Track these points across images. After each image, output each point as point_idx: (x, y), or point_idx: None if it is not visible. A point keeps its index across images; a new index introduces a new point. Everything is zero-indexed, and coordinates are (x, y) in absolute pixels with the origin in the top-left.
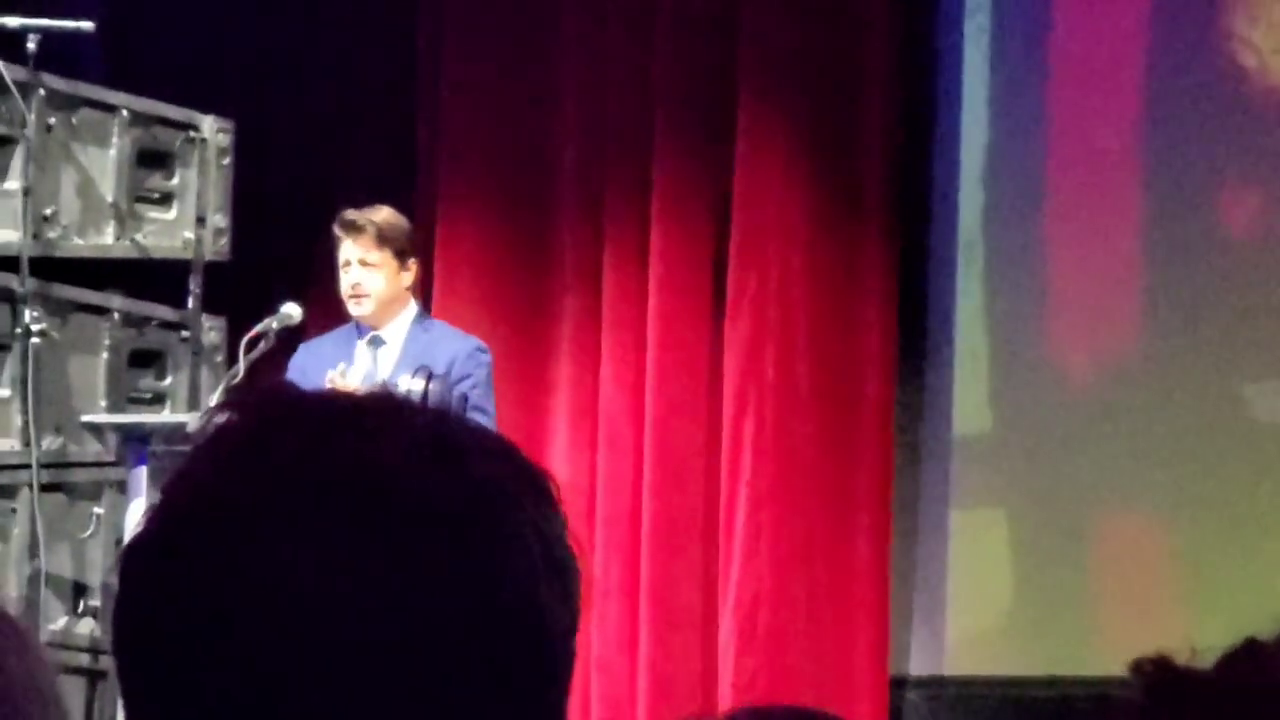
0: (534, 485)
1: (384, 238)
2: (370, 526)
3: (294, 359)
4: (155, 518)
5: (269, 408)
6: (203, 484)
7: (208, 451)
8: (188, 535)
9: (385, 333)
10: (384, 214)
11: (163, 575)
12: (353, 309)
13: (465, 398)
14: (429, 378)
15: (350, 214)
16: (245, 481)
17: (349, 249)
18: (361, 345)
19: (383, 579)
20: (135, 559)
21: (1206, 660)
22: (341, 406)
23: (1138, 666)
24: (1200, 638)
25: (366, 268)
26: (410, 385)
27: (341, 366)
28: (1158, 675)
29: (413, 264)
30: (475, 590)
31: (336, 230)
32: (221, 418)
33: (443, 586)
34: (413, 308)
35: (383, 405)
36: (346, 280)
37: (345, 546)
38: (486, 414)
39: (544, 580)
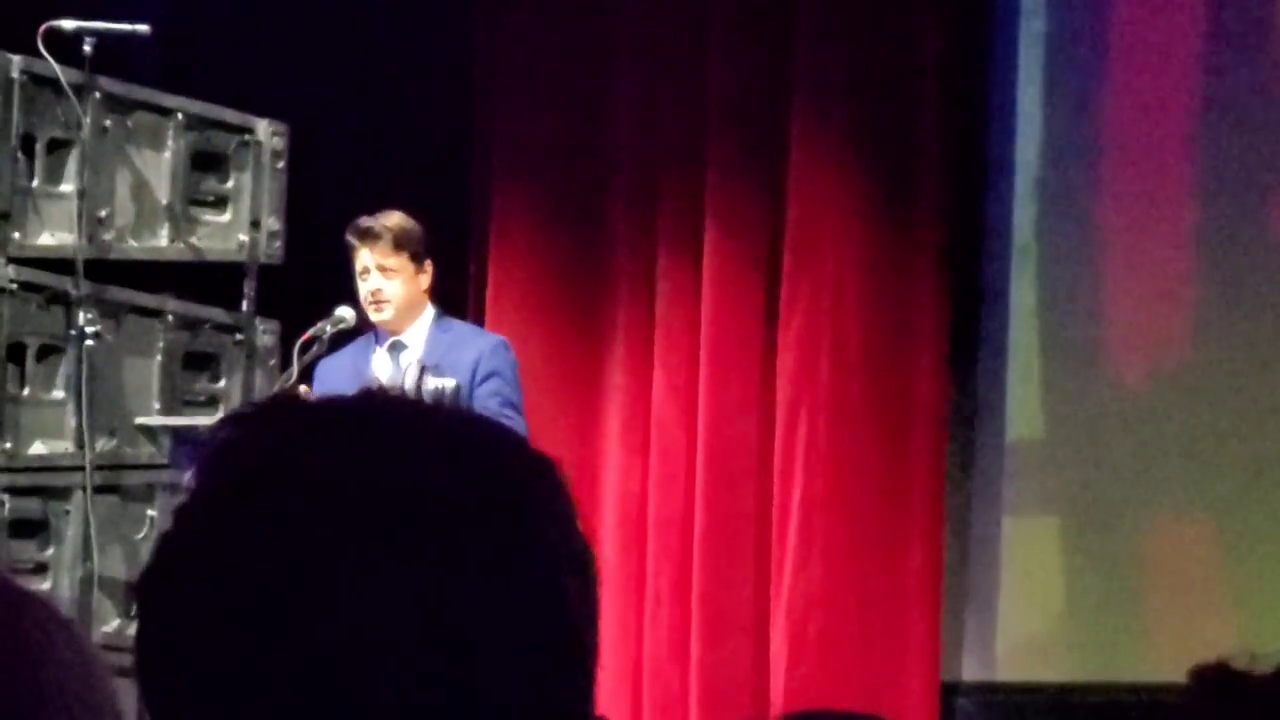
0: (549, 477)
1: (400, 242)
2: (381, 534)
3: (315, 377)
4: (168, 542)
5: (274, 419)
6: (211, 505)
7: (214, 469)
8: (199, 559)
9: (405, 337)
10: (397, 219)
11: (177, 601)
12: (373, 316)
13: (498, 396)
14: (421, 373)
15: (364, 221)
16: (252, 498)
17: (365, 256)
18: (380, 352)
19: (399, 586)
20: (154, 584)
21: (1266, 665)
22: (346, 412)
23: (1198, 672)
24: (1253, 643)
25: (385, 273)
26: (440, 384)
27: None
28: (1218, 680)
29: (428, 266)
30: (495, 589)
31: (351, 238)
32: (225, 432)
33: (462, 590)
34: (431, 310)
35: (385, 408)
36: (365, 288)
37: (357, 557)
38: (517, 410)
39: (566, 573)
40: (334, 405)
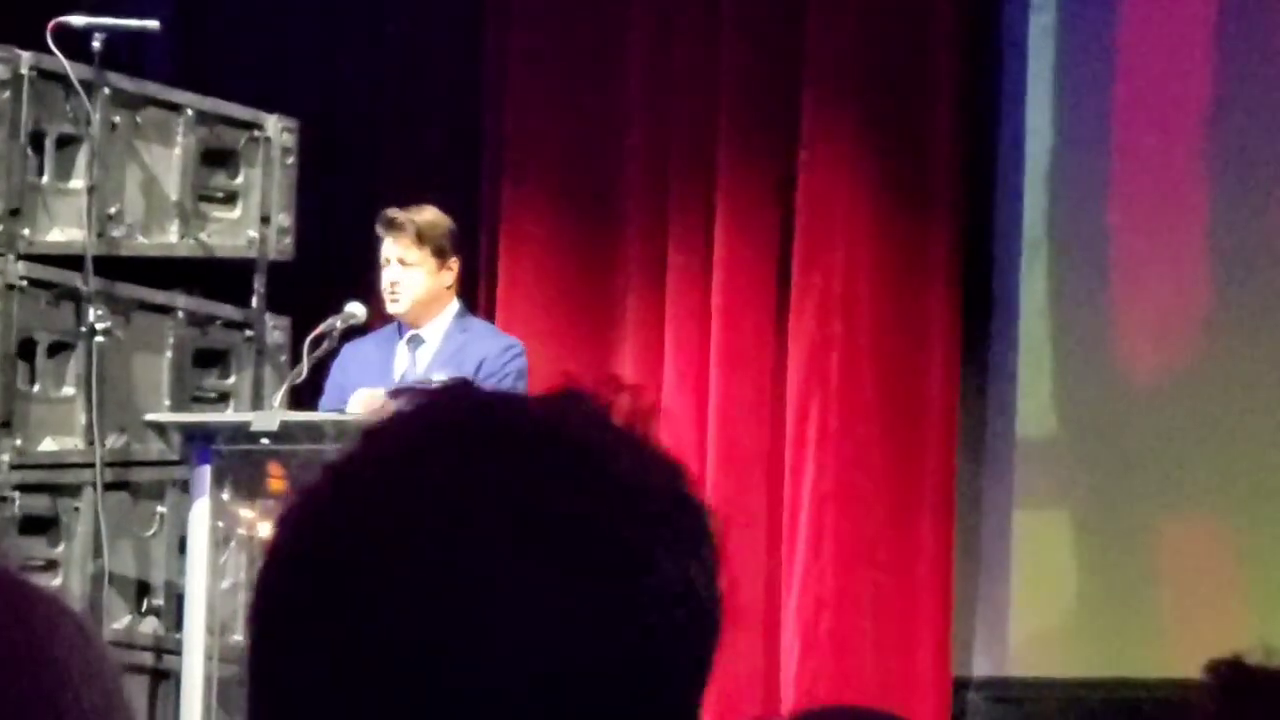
0: (690, 521)
1: (423, 236)
2: (523, 542)
3: (338, 359)
4: (313, 496)
5: (449, 405)
6: (366, 475)
7: (380, 441)
8: (345, 522)
9: (424, 332)
10: (428, 214)
11: (311, 558)
12: (390, 307)
13: None
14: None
15: (391, 212)
16: (402, 494)
17: (389, 247)
18: (401, 344)
19: (535, 594)
20: (290, 532)
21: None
22: (525, 417)
23: (1213, 667)
24: (1266, 638)
25: (405, 266)
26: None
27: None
28: (1233, 676)
29: (454, 263)
30: (604, 622)
31: (378, 228)
32: (399, 405)
33: (593, 605)
34: (454, 306)
35: (572, 419)
36: (385, 278)
37: (500, 564)
38: None
39: (679, 624)
40: (515, 404)
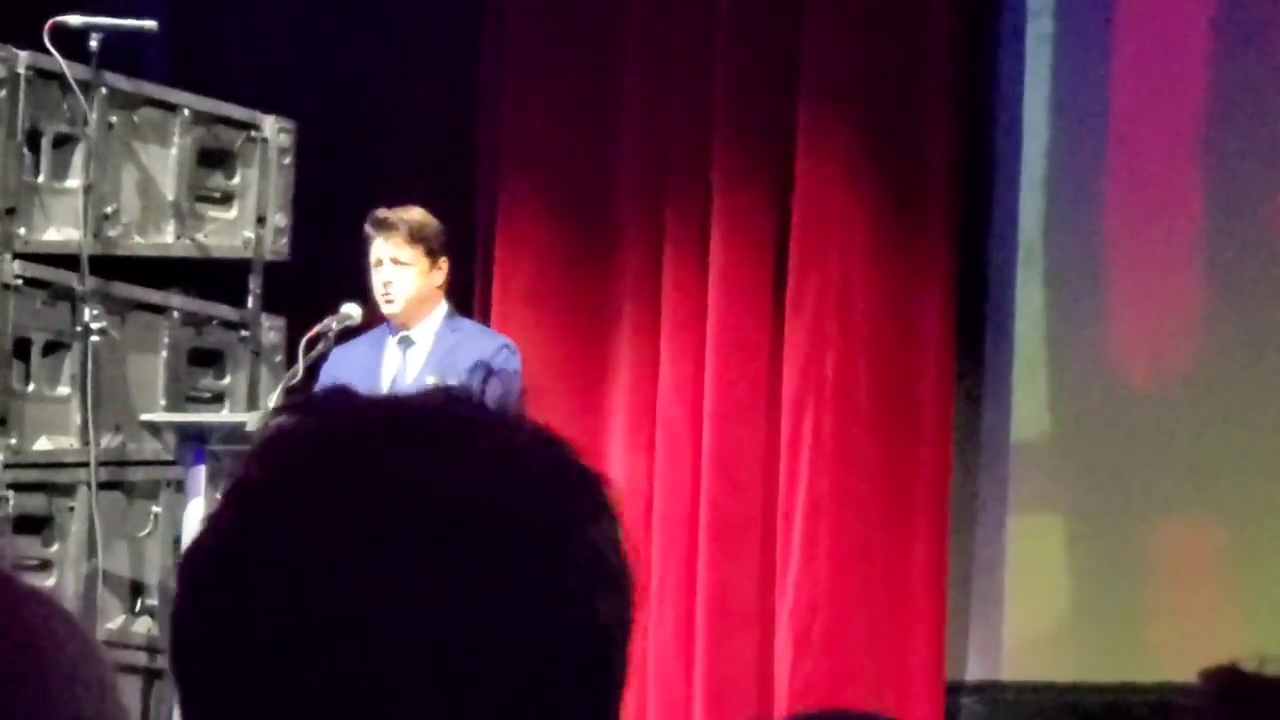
0: (591, 492)
1: (415, 236)
2: (424, 535)
3: (328, 362)
4: (215, 525)
5: (332, 414)
6: (265, 494)
7: (269, 458)
8: (249, 546)
9: (415, 332)
10: (416, 213)
11: (224, 586)
12: (384, 308)
13: (496, 397)
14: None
15: (382, 212)
16: (309, 493)
17: (380, 247)
18: (392, 344)
19: (442, 591)
20: (195, 567)
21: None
22: (403, 414)
23: (1208, 674)
24: (1259, 644)
25: (398, 266)
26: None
27: None
28: (1228, 683)
29: (443, 263)
30: (535, 602)
31: (368, 229)
32: (281, 421)
33: (503, 599)
34: (443, 307)
35: (443, 409)
36: (378, 278)
37: (407, 559)
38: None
39: (601, 591)
40: (389, 403)
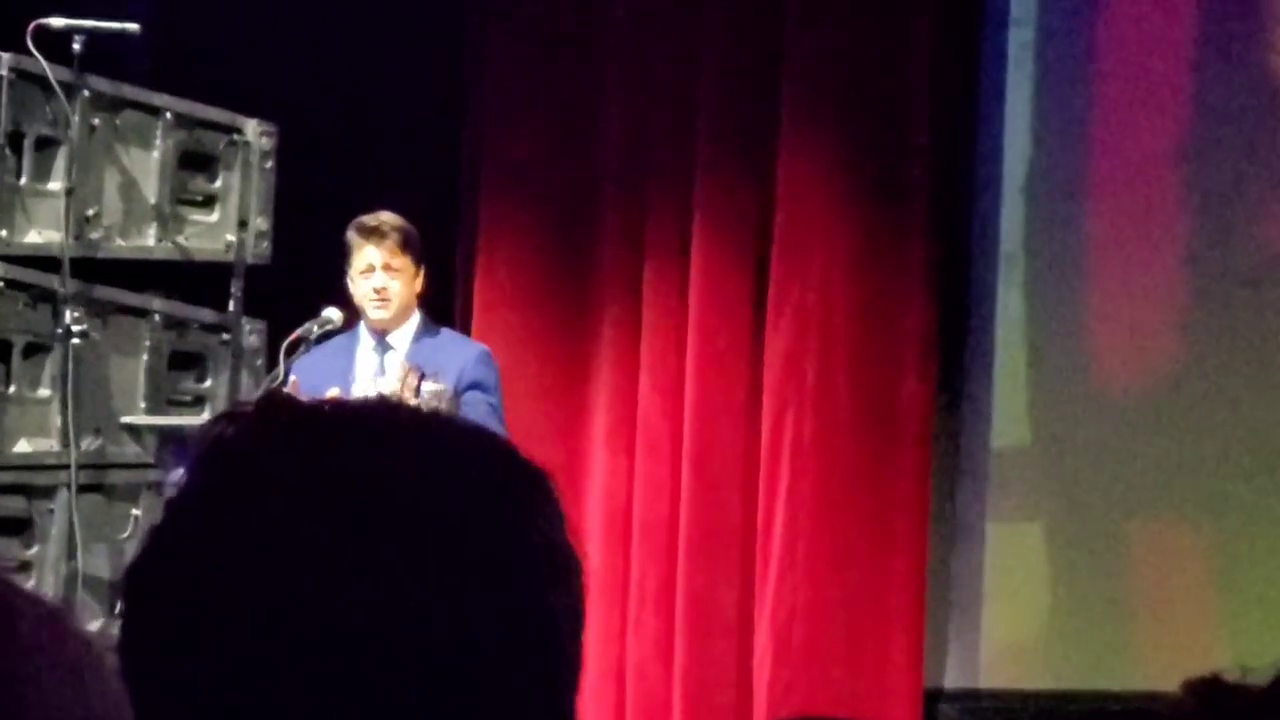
0: (534, 485)
1: (406, 243)
2: (374, 535)
3: (293, 370)
4: (158, 536)
5: (270, 418)
6: (204, 500)
7: (207, 465)
8: (190, 552)
9: (393, 337)
10: (400, 220)
11: (169, 597)
12: (375, 312)
13: (482, 405)
14: (420, 379)
15: (369, 220)
16: (247, 494)
17: (372, 254)
18: (367, 351)
19: (388, 588)
20: (140, 579)
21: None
22: (341, 414)
23: (1190, 685)
24: (1239, 651)
25: (390, 272)
26: (437, 388)
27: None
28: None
29: (422, 270)
30: (482, 596)
31: (355, 236)
32: (219, 429)
33: (449, 594)
34: (418, 314)
35: (381, 412)
36: (368, 284)
37: (349, 557)
38: (500, 421)
39: (550, 584)
40: (328, 407)
